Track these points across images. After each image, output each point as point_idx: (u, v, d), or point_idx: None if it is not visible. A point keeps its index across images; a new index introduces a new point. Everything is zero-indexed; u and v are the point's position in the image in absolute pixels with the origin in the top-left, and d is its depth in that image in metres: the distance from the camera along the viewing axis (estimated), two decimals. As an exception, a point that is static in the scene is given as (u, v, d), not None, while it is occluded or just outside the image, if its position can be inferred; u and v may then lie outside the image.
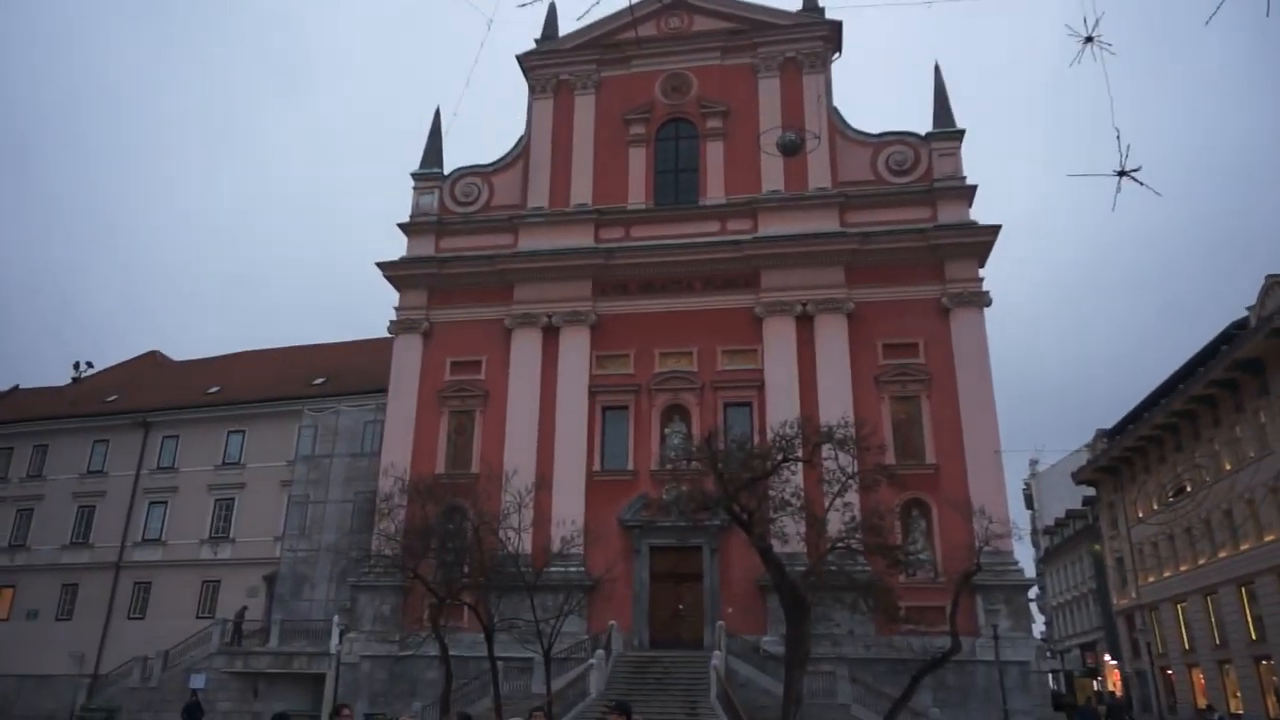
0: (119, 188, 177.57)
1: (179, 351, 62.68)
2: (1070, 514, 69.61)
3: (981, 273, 33.95)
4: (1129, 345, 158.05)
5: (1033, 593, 37.28)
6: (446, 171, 39.71)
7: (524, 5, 13.17)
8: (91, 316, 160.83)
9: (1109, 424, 58.29)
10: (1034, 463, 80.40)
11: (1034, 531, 79.76)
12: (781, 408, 31.19)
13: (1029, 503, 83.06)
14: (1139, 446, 50.96)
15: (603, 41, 39.35)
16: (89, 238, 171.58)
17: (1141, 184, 12.25)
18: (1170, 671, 49.51)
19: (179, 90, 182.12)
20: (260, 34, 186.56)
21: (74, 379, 60.26)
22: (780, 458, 23.71)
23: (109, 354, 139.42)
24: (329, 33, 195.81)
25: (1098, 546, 61.30)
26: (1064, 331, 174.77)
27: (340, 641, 31.06)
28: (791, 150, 28.06)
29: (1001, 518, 28.39)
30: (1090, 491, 62.30)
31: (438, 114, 41.07)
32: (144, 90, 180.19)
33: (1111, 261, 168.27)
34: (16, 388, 58.56)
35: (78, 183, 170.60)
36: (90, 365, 63.98)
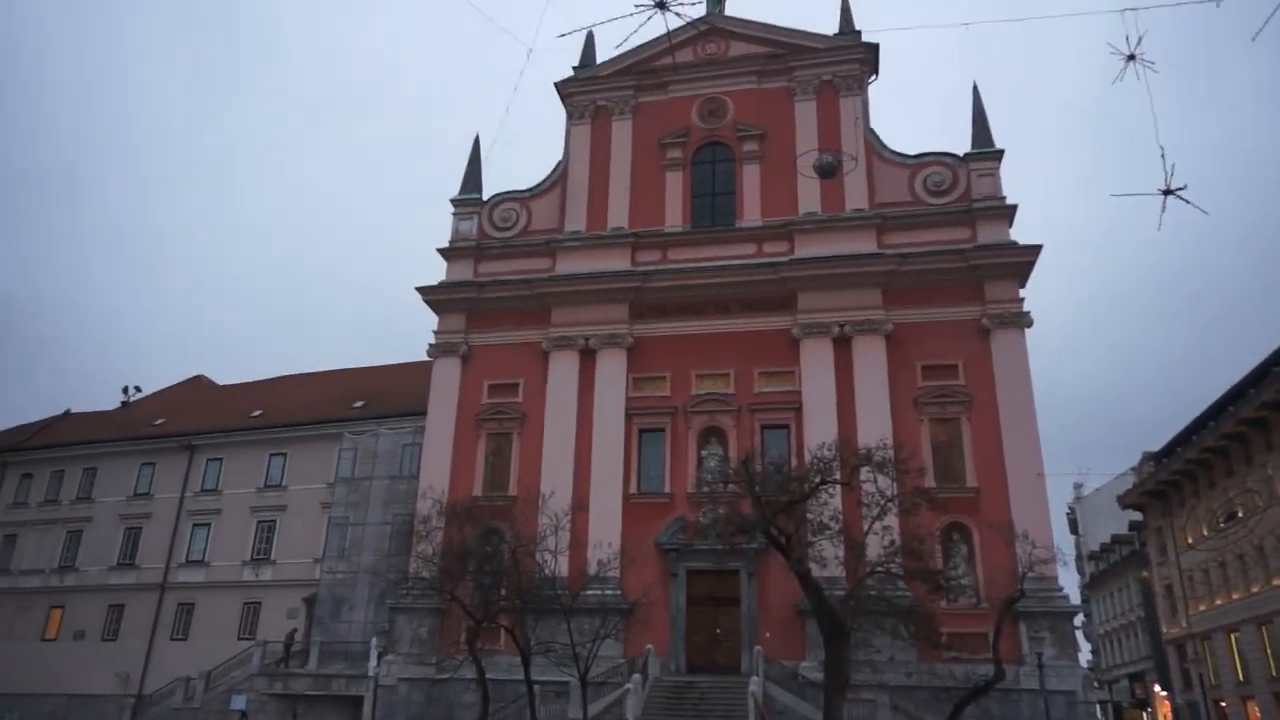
0: (166, 216, 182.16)
1: (223, 375, 63.99)
2: (1116, 539, 68.04)
3: (1022, 293, 33.54)
4: (1174, 366, 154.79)
5: (1078, 620, 36.33)
6: (485, 197, 40.23)
7: (563, 36, 13.39)
8: (140, 342, 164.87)
9: (1155, 447, 57.04)
10: (1078, 486, 78.82)
11: (1079, 557, 78.18)
12: (819, 430, 30.96)
13: (1073, 527, 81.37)
14: (1187, 470, 49.75)
15: (640, 68, 39.76)
16: (137, 264, 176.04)
17: (1187, 202, 12.10)
18: (1224, 704, 47.95)
19: (224, 121, 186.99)
20: (301, 65, 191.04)
21: (122, 403, 62.26)
22: (818, 480, 23.49)
23: (156, 378, 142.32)
24: (370, 63, 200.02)
25: (1146, 573, 59.79)
26: (1107, 352, 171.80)
27: (378, 664, 31.24)
28: (828, 172, 28.06)
29: (1045, 542, 27.84)
30: (1137, 516, 60.87)
31: (477, 141, 41.70)
32: (190, 122, 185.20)
33: (1155, 280, 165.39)
34: (68, 412, 60.40)
35: (127, 211, 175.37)
36: (138, 389, 65.98)
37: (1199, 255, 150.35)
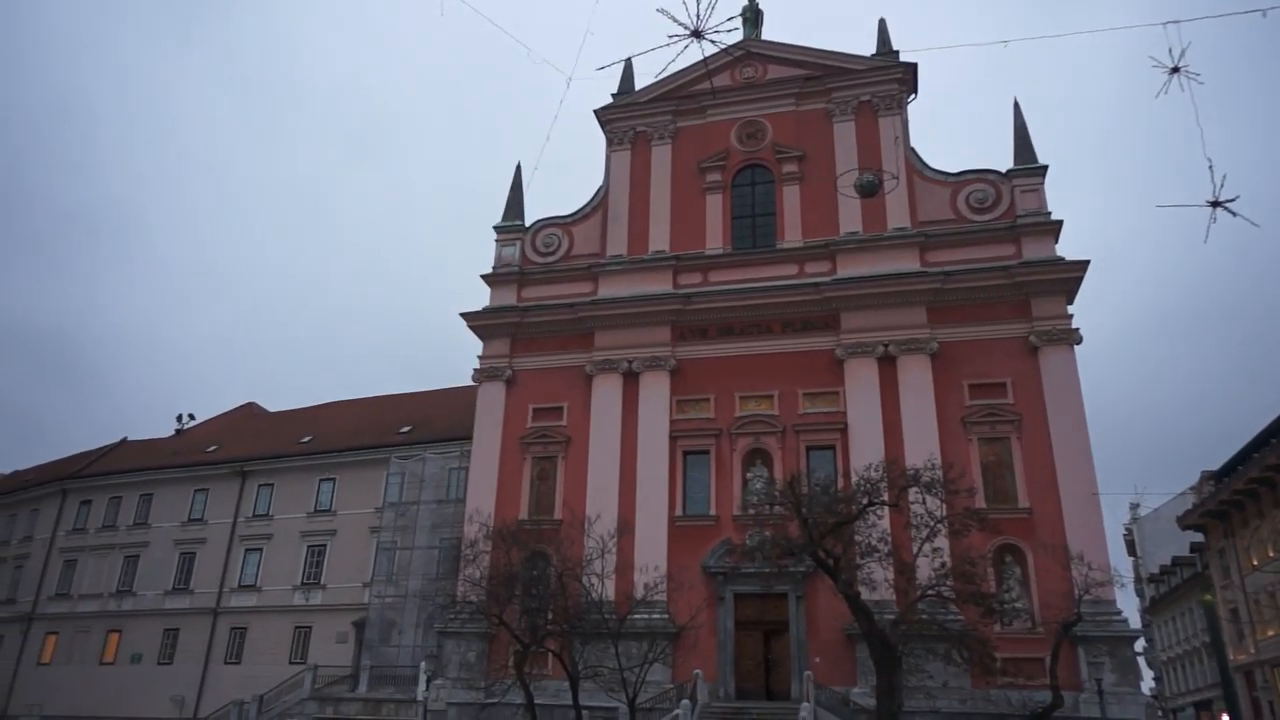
0: (214, 250, 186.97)
1: (274, 402, 65.15)
2: (1177, 561, 66.00)
3: (1070, 309, 32.99)
4: (1228, 382, 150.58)
5: (1139, 645, 35.28)
6: (528, 223, 40.73)
7: (602, 69, 13.65)
8: (193, 370, 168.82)
9: (1215, 465, 55.38)
10: (1135, 506, 76.77)
11: (1138, 579, 75.93)
12: (865, 451, 30.64)
13: (1131, 549, 79.14)
14: (1249, 489, 48.18)
15: (678, 93, 40.08)
16: (188, 297, 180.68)
17: (1236, 215, 11.86)
18: (1296, 732, 46.09)
19: (268, 156, 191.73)
20: (340, 99, 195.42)
21: (177, 430, 63.71)
22: (865, 501, 23.27)
23: (210, 406, 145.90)
24: (410, 96, 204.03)
25: (1209, 596, 57.86)
26: (1157, 368, 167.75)
27: (427, 688, 31.36)
28: (869, 191, 27.97)
29: (1102, 564, 27.23)
30: (1198, 537, 59.05)
31: (519, 169, 42.32)
32: (234, 157, 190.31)
33: (1204, 295, 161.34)
34: (125, 440, 61.94)
35: (176, 246, 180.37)
36: (192, 417, 67.39)
37: (1249, 268, 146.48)
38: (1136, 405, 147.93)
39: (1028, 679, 26.84)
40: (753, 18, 41.63)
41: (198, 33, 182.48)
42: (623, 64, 41.30)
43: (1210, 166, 12.06)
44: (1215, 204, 11.70)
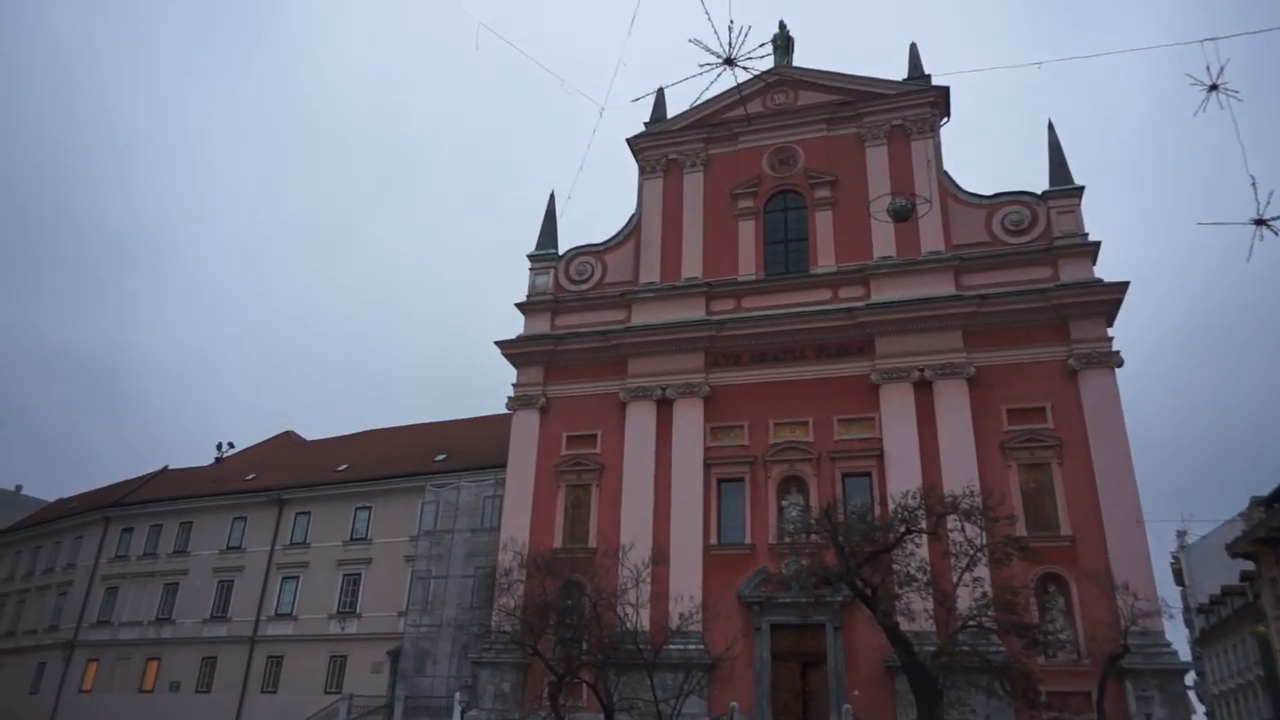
0: (252, 280, 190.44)
1: (311, 430, 65.90)
2: (1227, 590, 64.07)
3: (1110, 332, 32.44)
4: (1276, 406, 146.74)
5: (1190, 678, 34.19)
6: (561, 251, 41.01)
7: (636, 100, 13.78)
8: (233, 399, 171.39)
9: (1264, 490, 53.85)
10: (1182, 534, 74.73)
11: (1186, 610, 73.83)
12: (902, 477, 30.22)
13: (1179, 578, 77.02)
14: (1302, 516, 46.73)
15: (710, 120, 40.29)
16: (226, 327, 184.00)
17: (1278, 234, 11.59)
18: (1359, 769, 44.29)
19: (303, 186, 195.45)
20: (374, 129, 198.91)
21: (216, 459, 64.62)
22: (903, 529, 22.87)
23: (249, 433, 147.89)
24: (442, 125, 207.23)
25: (1262, 628, 56.06)
26: (1204, 390, 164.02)
27: (461, 719, 31.24)
28: (902, 216, 27.81)
29: (1148, 594, 26.54)
30: (1248, 565, 57.35)
31: (552, 198, 42.70)
32: (272, 187, 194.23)
33: (1248, 316, 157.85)
34: (165, 469, 62.99)
35: (216, 275, 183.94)
36: (231, 445, 68.43)
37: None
38: (1182, 429, 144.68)
39: (1074, 713, 26.11)
40: (784, 45, 41.78)
41: (234, 66, 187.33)
42: (654, 94, 41.73)
43: (1254, 184, 11.82)
44: (1260, 222, 11.47)
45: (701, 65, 12.27)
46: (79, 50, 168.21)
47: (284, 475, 53.16)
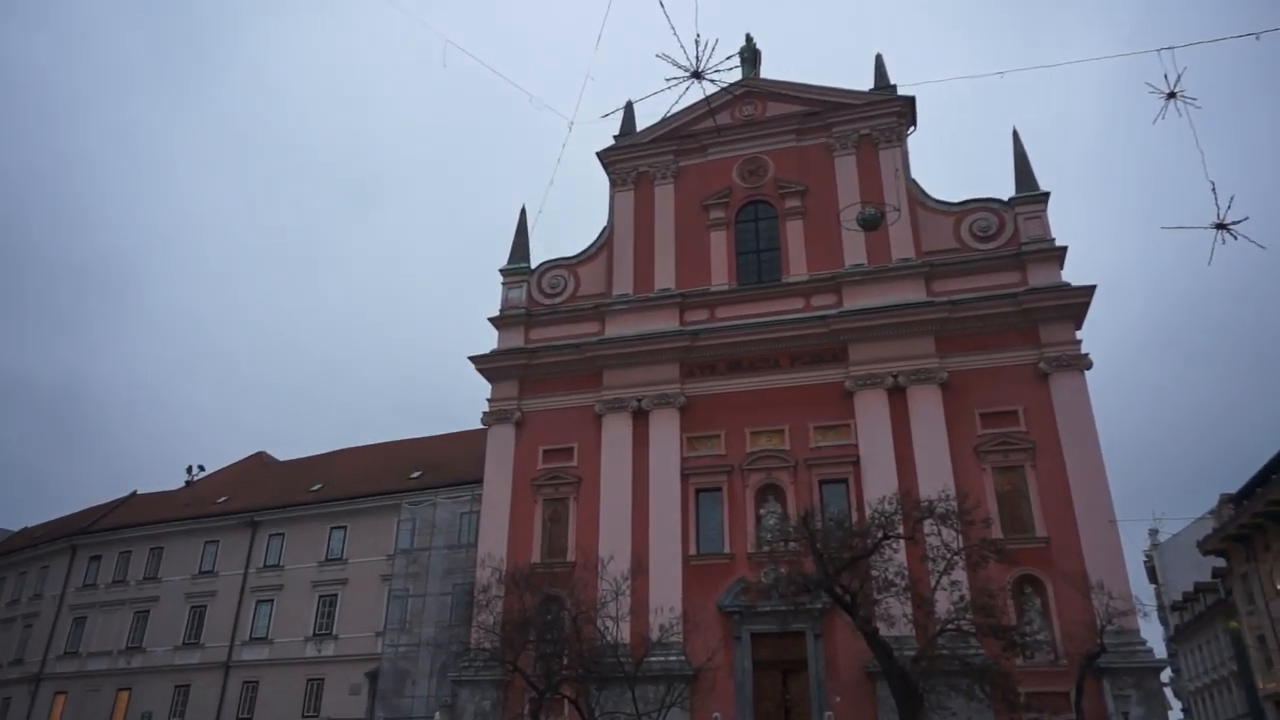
0: (219, 303, 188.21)
1: (284, 451, 65.12)
2: (1199, 587, 64.93)
3: (1079, 335, 32.88)
4: (1243, 403, 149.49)
5: (1166, 675, 34.64)
6: (533, 265, 40.93)
7: (606, 116, 13.82)
8: (203, 422, 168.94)
9: (1233, 488, 54.73)
10: (1154, 532, 75.74)
11: (1161, 607, 74.71)
12: (879, 483, 30.37)
13: (1153, 576, 77.97)
14: (1270, 511, 47.51)
15: (679, 133, 40.47)
16: (195, 350, 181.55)
17: (1237, 238, 11.83)
18: (1332, 761, 44.93)
19: (266, 209, 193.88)
20: (338, 148, 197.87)
21: (187, 482, 63.60)
22: (880, 535, 22.99)
23: (220, 456, 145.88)
24: (408, 143, 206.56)
25: (1235, 623, 56.84)
26: (1171, 391, 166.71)
27: (442, 738, 30.90)
28: (872, 224, 28.03)
29: (1123, 593, 26.85)
30: (1220, 562, 58.16)
31: (523, 212, 42.58)
32: (236, 212, 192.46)
33: (1214, 316, 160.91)
34: (135, 493, 61.87)
35: (181, 300, 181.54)
36: (202, 468, 67.37)
37: (1256, 289, 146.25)
38: (1151, 430, 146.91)
39: (1053, 713, 26.31)
40: (751, 57, 42.14)
41: (193, 94, 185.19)
42: (624, 108, 41.86)
43: (1213, 189, 12.07)
44: (1220, 226, 11.70)
45: (669, 79, 12.35)
46: (38, 81, 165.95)
47: (257, 497, 52.44)
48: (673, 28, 12.07)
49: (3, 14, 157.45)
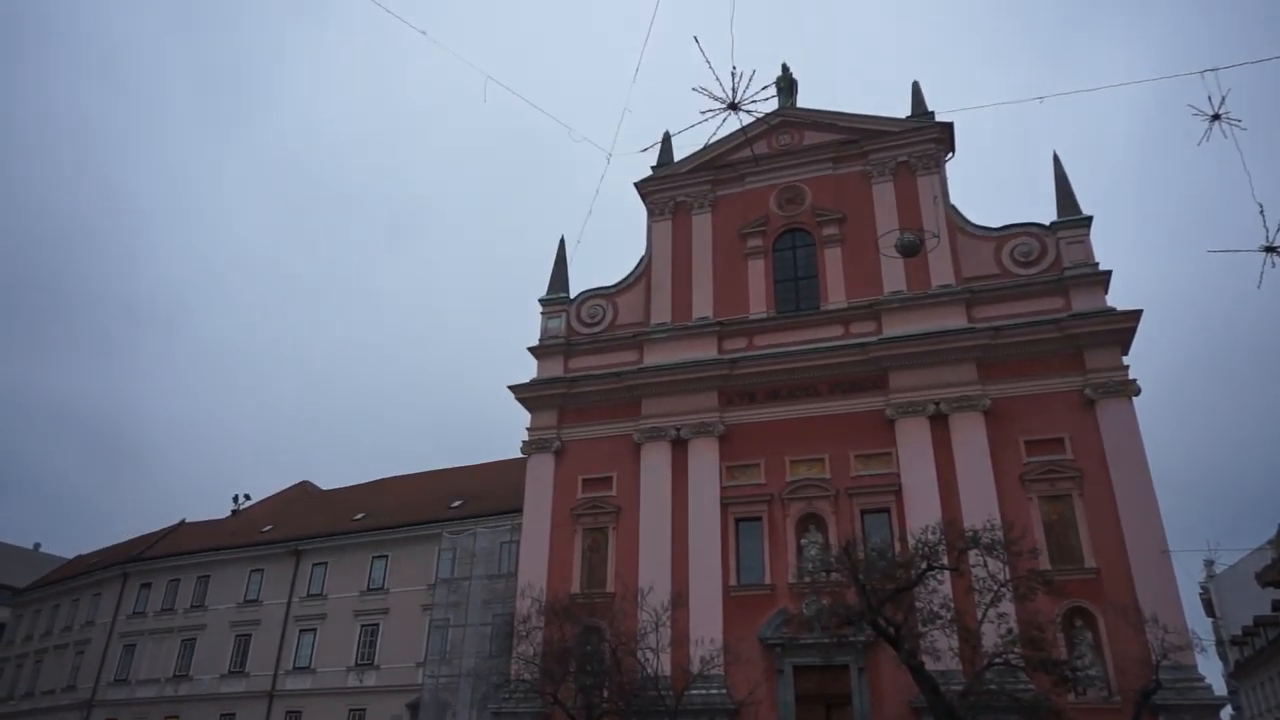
0: (262, 336, 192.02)
1: (327, 480, 65.92)
2: (1260, 621, 62.75)
3: (1125, 360, 32.25)
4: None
5: (1226, 713, 33.41)
6: (572, 295, 41.26)
7: (645, 150, 14.02)
8: (249, 451, 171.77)
9: (1293, 518, 52.96)
10: (1210, 564, 73.31)
11: (1219, 642, 72.22)
12: (922, 512, 29.90)
13: (1209, 609, 75.50)
14: (1332, 542, 45.89)
15: (716, 162, 40.68)
16: (240, 381, 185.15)
17: (1289, 259, 11.58)
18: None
19: (307, 242, 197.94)
20: (377, 182, 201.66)
21: (233, 511, 64.65)
22: (924, 566, 22.61)
23: (266, 485, 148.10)
24: (447, 175, 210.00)
25: (1298, 658, 54.77)
26: (1223, 417, 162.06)
27: (482, 769, 30.79)
28: (911, 251, 27.86)
29: (1178, 626, 26.00)
30: (1280, 595, 56.20)
31: (562, 242, 43.00)
32: (277, 248, 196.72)
33: (1268, 339, 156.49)
34: (183, 522, 63.04)
35: (226, 333, 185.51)
36: (248, 497, 68.52)
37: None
38: (1205, 458, 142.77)
39: (1108, 751, 25.52)
40: (787, 87, 42.31)
41: (239, 131, 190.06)
42: (661, 139, 42.19)
43: (1261, 211, 11.87)
44: (1269, 249, 11.49)
45: (704, 112, 12.51)
46: (79, 122, 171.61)
47: (300, 526, 53.11)
48: (708, 62, 12.21)
49: (49, 57, 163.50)
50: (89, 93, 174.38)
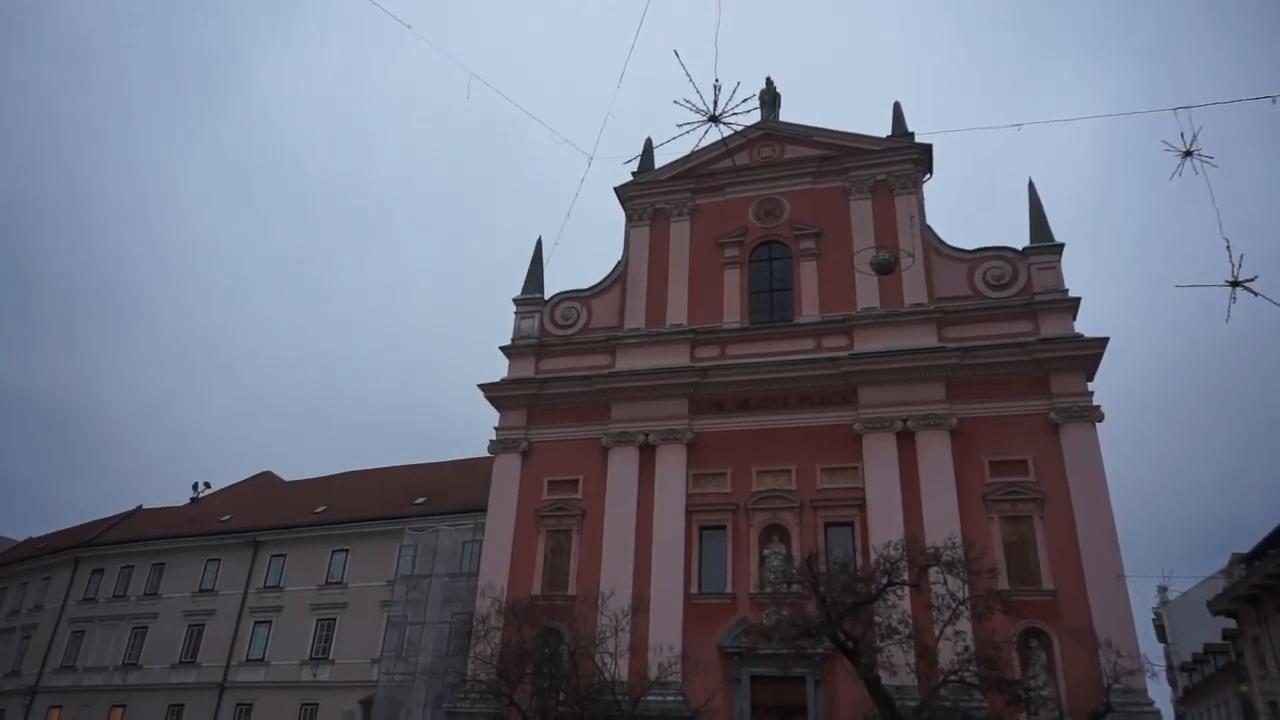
0: (229, 327, 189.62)
1: (290, 471, 65.12)
2: (1209, 649, 63.80)
3: (1091, 386, 32.71)
4: (1258, 461, 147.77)
5: (1173, 737, 33.91)
6: (547, 296, 41.14)
7: (628, 162, 14.08)
8: (211, 440, 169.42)
9: (1245, 547, 53.97)
10: (1163, 590, 74.46)
11: (1170, 667, 73.37)
12: (885, 528, 30.13)
13: (1161, 635, 76.69)
14: (1282, 573, 46.78)
15: (697, 171, 40.81)
16: (203, 371, 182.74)
17: (1256, 294, 11.82)
18: (1343, 833, 43.77)
19: (273, 236, 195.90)
20: (348, 178, 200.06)
21: (192, 499, 63.62)
22: (885, 581, 22.76)
23: (227, 473, 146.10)
24: (421, 174, 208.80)
25: (1245, 687, 55.73)
26: (1183, 447, 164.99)
27: (434, 769, 30.50)
28: (885, 269, 28.11)
29: (1131, 651, 26.38)
30: (1231, 623, 57.17)
31: (539, 243, 42.88)
32: (241, 239, 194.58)
33: (1230, 373, 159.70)
34: (140, 508, 61.90)
35: (190, 323, 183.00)
36: (208, 485, 67.51)
37: (1272, 347, 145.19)
38: (1163, 486, 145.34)
39: (1057, 771, 25.79)
40: (771, 100, 42.53)
41: (202, 123, 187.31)
42: (643, 146, 42.24)
43: (1228, 246, 12.08)
44: (1235, 283, 11.69)
45: (680, 125, 12.60)
46: (43, 106, 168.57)
47: (260, 516, 52.37)
48: (688, 75, 12.26)
49: (12, 42, 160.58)
50: (53, 79, 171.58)
